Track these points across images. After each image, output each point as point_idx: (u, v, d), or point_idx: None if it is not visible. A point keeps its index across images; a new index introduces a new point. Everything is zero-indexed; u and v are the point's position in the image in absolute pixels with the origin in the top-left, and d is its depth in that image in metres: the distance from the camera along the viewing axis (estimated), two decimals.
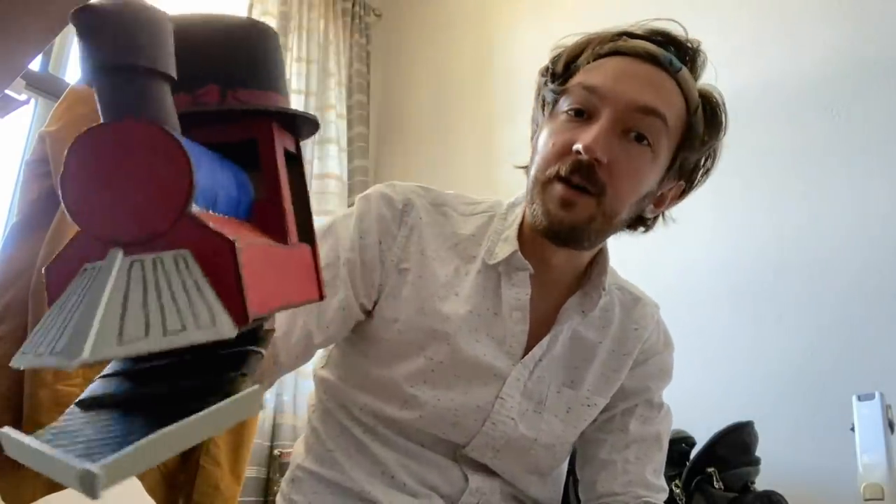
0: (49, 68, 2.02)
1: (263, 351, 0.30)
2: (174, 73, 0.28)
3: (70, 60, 2.08)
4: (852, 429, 1.26)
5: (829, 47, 1.83)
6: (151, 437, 0.24)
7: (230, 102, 0.29)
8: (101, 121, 0.27)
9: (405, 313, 0.81)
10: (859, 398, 1.28)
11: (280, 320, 0.75)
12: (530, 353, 0.83)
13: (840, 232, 1.71)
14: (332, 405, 0.86)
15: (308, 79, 2.66)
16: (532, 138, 0.87)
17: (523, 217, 0.84)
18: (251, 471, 2.05)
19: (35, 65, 1.97)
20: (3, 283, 0.95)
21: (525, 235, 0.83)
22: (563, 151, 0.76)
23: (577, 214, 0.75)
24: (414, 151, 2.81)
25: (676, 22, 0.82)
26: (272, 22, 2.61)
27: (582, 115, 0.77)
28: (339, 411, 0.85)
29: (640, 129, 0.75)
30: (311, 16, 2.75)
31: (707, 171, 0.86)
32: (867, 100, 1.74)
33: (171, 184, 0.26)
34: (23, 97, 0.84)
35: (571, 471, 0.99)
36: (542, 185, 0.77)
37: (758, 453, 1.43)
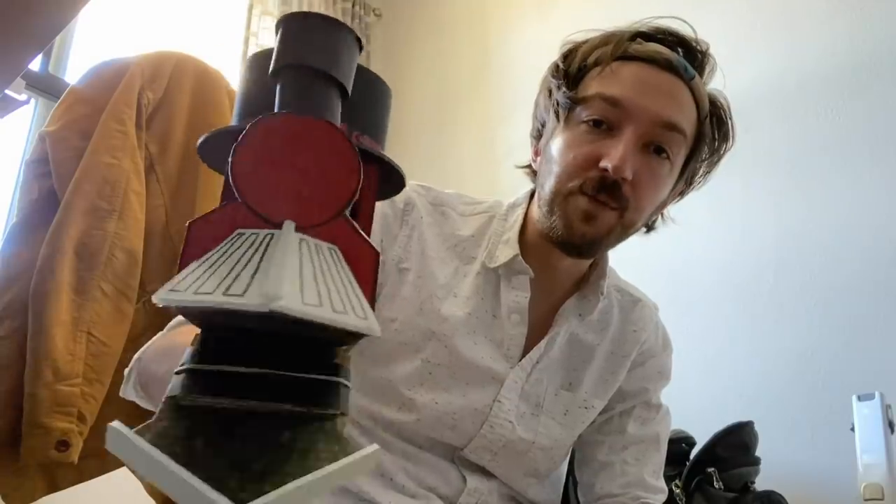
0: (49, 68, 2.02)
1: (350, 385, 0.30)
2: (349, 94, 0.32)
3: (70, 60, 2.08)
4: (852, 429, 1.26)
5: (828, 47, 1.83)
6: (287, 488, 0.25)
7: (355, 143, 0.32)
8: (278, 110, 0.30)
9: (404, 313, 0.80)
10: (859, 398, 1.27)
11: None
12: (527, 355, 0.83)
13: (839, 231, 1.70)
14: None
15: None
16: (534, 135, 0.86)
17: (525, 219, 0.84)
18: None
19: (35, 65, 1.97)
20: (3, 283, 0.95)
21: (527, 238, 0.83)
22: (587, 165, 0.74)
23: (598, 228, 0.75)
24: (414, 151, 2.81)
25: (685, 21, 0.81)
26: (272, 22, 2.61)
27: (601, 126, 0.75)
28: None
29: (661, 144, 0.75)
30: None
31: (707, 174, 0.86)
32: (867, 99, 1.74)
33: (339, 183, 0.28)
34: (23, 97, 0.84)
35: (571, 472, 0.99)
36: (564, 197, 0.76)
37: (758, 453, 1.43)
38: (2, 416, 0.90)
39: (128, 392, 0.72)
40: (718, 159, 0.85)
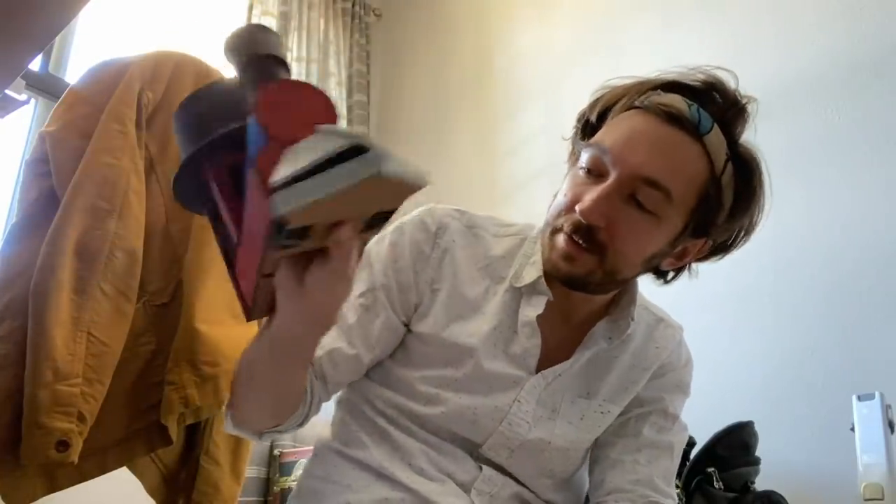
0: (49, 68, 2.02)
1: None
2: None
3: (70, 60, 2.08)
4: (852, 429, 1.26)
5: (828, 47, 1.83)
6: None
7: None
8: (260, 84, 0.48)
9: (433, 330, 0.86)
10: (859, 398, 1.28)
11: (325, 347, 0.83)
12: (551, 368, 0.87)
13: (839, 231, 1.71)
14: (356, 398, 0.90)
15: (308, 79, 2.66)
16: None
17: None
18: (251, 471, 2.05)
19: (35, 65, 1.97)
20: (3, 283, 0.95)
21: None
22: (570, 208, 0.78)
23: (576, 268, 0.78)
24: (414, 151, 2.81)
25: (729, 71, 0.82)
26: (272, 22, 2.61)
27: (592, 173, 0.78)
28: (363, 404, 0.89)
29: (639, 198, 0.76)
30: (311, 16, 2.75)
31: (746, 234, 0.86)
32: (866, 100, 1.74)
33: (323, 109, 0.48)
34: (23, 97, 0.84)
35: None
36: (551, 234, 0.81)
37: (758, 453, 1.43)
38: (2, 416, 0.90)
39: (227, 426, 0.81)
40: (747, 218, 0.83)
